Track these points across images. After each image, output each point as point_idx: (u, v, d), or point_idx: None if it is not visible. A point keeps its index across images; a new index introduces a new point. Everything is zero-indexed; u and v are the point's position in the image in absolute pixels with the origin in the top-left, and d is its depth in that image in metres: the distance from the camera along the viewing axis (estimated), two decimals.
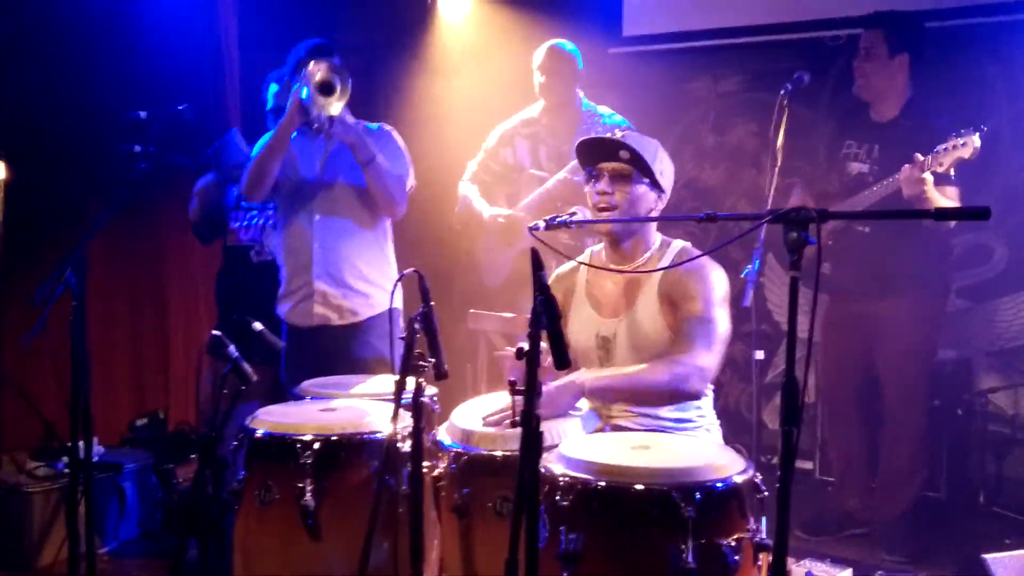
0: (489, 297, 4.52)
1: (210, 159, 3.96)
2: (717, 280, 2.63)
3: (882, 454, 4.01)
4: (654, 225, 2.78)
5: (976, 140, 3.38)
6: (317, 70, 3.30)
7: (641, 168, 2.65)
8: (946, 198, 3.57)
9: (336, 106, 3.31)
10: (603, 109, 4.32)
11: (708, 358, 2.54)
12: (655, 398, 2.61)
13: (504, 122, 4.50)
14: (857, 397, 4.07)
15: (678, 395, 2.58)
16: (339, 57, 3.57)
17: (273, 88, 3.81)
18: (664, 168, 2.72)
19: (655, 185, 2.69)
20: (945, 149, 3.42)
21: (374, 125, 3.63)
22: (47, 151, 5.10)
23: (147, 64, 5.06)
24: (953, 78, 4.30)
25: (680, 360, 2.53)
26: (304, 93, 3.30)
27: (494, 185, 4.54)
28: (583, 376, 2.57)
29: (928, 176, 3.46)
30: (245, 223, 3.93)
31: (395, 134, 3.64)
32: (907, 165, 3.51)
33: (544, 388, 2.41)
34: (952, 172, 3.45)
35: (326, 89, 3.28)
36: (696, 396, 2.61)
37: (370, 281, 3.51)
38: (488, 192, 4.54)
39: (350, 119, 3.56)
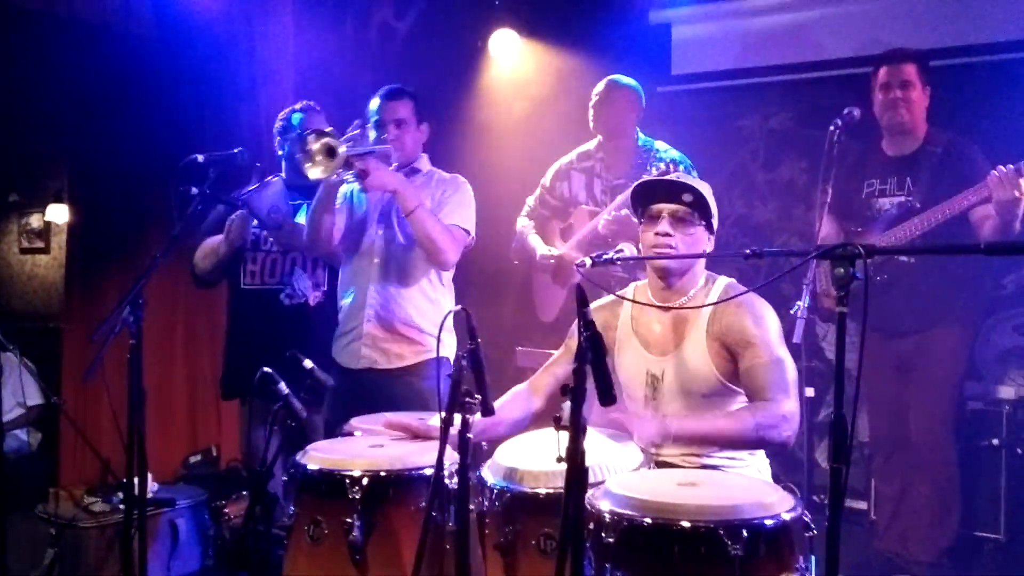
0: (539, 333, 4.53)
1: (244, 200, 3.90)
2: (771, 319, 2.62)
3: (913, 493, 3.91)
4: (702, 264, 2.78)
5: None
6: (314, 140, 3.27)
7: (701, 210, 2.66)
8: None
9: (314, 171, 3.25)
10: (660, 145, 4.33)
11: (790, 403, 2.52)
12: (742, 447, 2.59)
13: (562, 157, 4.55)
14: (894, 433, 3.99)
15: (767, 444, 2.55)
16: (414, 98, 3.60)
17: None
18: (715, 211, 2.73)
19: (710, 227, 2.70)
20: None
21: (448, 175, 3.65)
22: (108, 194, 5.26)
23: (203, 109, 5.20)
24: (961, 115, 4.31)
25: (765, 408, 2.50)
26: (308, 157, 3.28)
27: (551, 219, 4.58)
28: (669, 419, 2.56)
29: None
30: (259, 266, 3.90)
31: (465, 187, 3.61)
32: (999, 169, 3.44)
33: (634, 416, 2.46)
34: None
35: (331, 152, 3.26)
36: (785, 444, 2.54)
37: (420, 328, 3.51)
38: (545, 227, 4.58)
39: (425, 165, 3.64)
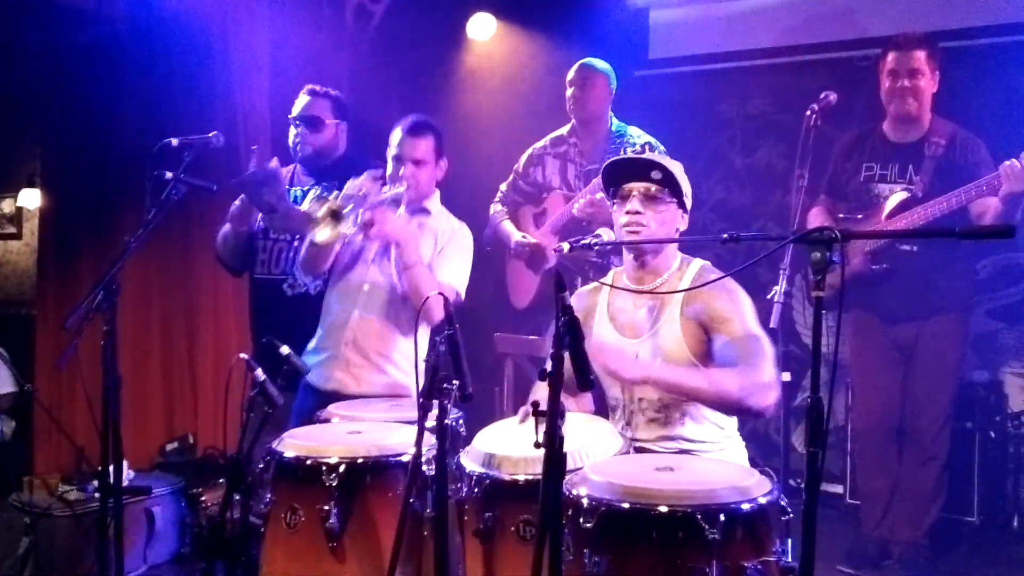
0: (516, 320, 4.53)
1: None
2: (744, 297, 2.63)
3: (905, 476, 3.95)
4: (675, 245, 2.78)
5: None
6: (318, 206, 3.24)
7: (671, 187, 2.66)
8: None
9: (322, 235, 3.21)
10: (633, 130, 4.34)
11: (771, 372, 2.52)
12: (719, 407, 2.57)
13: (536, 143, 4.54)
14: (892, 420, 4.02)
15: (746, 409, 2.53)
16: (437, 135, 3.50)
17: None
18: (687, 189, 2.74)
19: (682, 205, 2.70)
20: None
21: (456, 223, 3.55)
22: (80, 179, 5.19)
23: (177, 92, 5.14)
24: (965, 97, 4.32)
25: (748, 374, 2.49)
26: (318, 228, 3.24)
27: (524, 205, 4.58)
28: (653, 363, 2.55)
29: None
30: (268, 256, 3.88)
31: (468, 241, 3.53)
32: (1012, 163, 3.46)
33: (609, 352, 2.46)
34: None
35: (336, 216, 3.21)
36: (764, 412, 2.53)
37: (395, 363, 3.45)
38: (517, 212, 4.58)
39: (436, 206, 3.54)
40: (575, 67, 4.37)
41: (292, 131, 3.79)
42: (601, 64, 4.37)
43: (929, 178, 3.78)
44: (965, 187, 3.61)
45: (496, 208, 4.62)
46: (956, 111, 4.01)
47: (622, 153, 4.10)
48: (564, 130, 4.48)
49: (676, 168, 2.71)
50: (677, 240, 2.73)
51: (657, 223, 2.67)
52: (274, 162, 3.75)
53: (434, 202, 3.56)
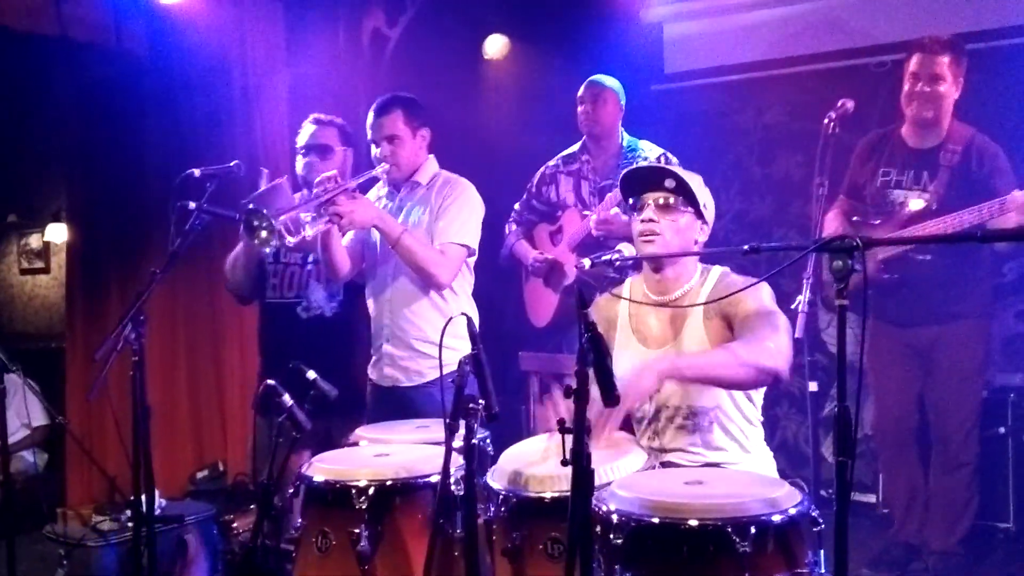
0: (538, 338, 4.54)
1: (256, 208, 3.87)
2: (763, 285, 2.61)
3: (934, 485, 3.92)
4: (696, 256, 2.77)
5: None
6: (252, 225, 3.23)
7: (686, 196, 2.66)
8: None
9: (264, 245, 3.21)
10: (644, 144, 4.35)
11: (779, 338, 2.49)
12: (740, 376, 2.50)
13: (548, 161, 4.56)
14: (912, 427, 3.98)
15: (763, 372, 2.47)
16: (405, 106, 3.53)
17: None
18: (707, 200, 2.74)
19: (699, 215, 2.70)
20: None
21: (453, 177, 3.57)
22: (105, 212, 5.27)
23: (198, 123, 5.20)
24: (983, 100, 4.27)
25: (759, 341, 2.47)
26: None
27: (539, 223, 4.60)
28: (666, 357, 2.55)
29: None
30: (280, 280, 3.90)
31: (468, 194, 3.53)
32: (1019, 191, 3.44)
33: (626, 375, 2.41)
34: None
35: (248, 227, 3.20)
36: (779, 376, 2.49)
37: (435, 343, 3.48)
38: (532, 231, 4.59)
39: (428, 172, 3.56)
40: (585, 84, 4.41)
41: (300, 160, 3.80)
42: (610, 80, 4.40)
43: (944, 188, 3.73)
44: (978, 206, 3.53)
45: (510, 228, 4.65)
46: (979, 115, 3.98)
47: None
48: (575, 148, 4.50)
49: (692, 178, 2.71)
50: (698, 253, 2.73)
51: (672, 231, 2.66)
52: (284, 180, 3.79)
53: (424, 172, 3.56)
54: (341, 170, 3.80)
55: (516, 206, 4.66)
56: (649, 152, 4.27)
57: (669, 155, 4.19)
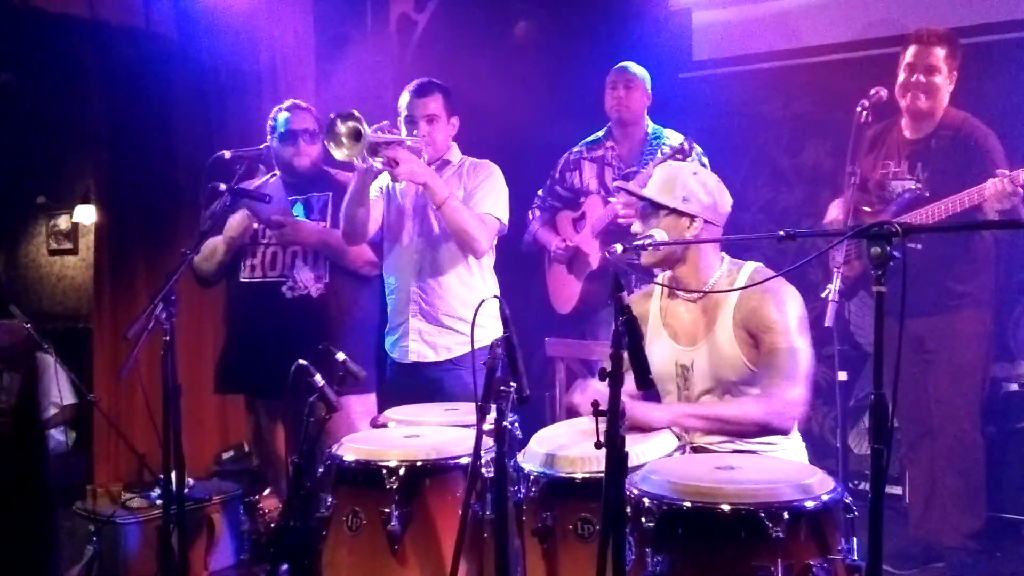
0: (564, 324, 4.54)
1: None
2: (793, 306, 2.60)
3: (941, 480, 3.86)
4: (709, 248, 2.75)
5: None
6: (338, 123, 3.27)
7: (655, 203, 2.70)
8: None
9: (339, 153, 3.26)
10: (668, 132, 4.36)
11: (797, 390, 2.53)
12: (743, 434, 2.60)
13: (571, 148, 4.55)
14: (912, 414, 3.95)
15: (769, 431, 2.57)
16: (444, 92, 3.62)
17: None
18: (690, 192, 2.70)
19: (681, 214, 2.69)
20: None
21: (479, 161, 3.68)
22: (134, 194, 5.29)
23: (227, 105, 5.22)
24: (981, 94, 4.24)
25: (773, 395, 2.52)
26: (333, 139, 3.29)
27: (562, 210, 4.59)
28: (674, 406, 2.60)
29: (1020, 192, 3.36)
30: (260, 260, 3.92)
31: (496, 173, 3.63)
32: (995, 179, 3.39)
33: (632, 406, 2.44)
34: None
35: (356, 135, 3.26)
36: (785, 432, 2.59)
37: (464, 319, 3.51)
38: (556, 217, 4.59)
39: (456, 156, 3.66)
40: (615, 70, 4.40)
41: (287, 146, 3.84)
42: (638, 67, 4.40)
43: (932, 175, 3.70)
44: (959, 195, 3.50)
45: (534, 215, 4.66)
46: (980, 107, 3.94)
47: (659, 155, 4.11)
48: (600, 134, 4.50)
49: (660, 179, 2.74)
50: (734, 239, 2.73)
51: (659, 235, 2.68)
52: (275, 179, 3.83)
53: (454, 153, 3.68)
54: (321, 155, 3.86)
55: (539, 192, 4.66)
56: (673, 140, 4.26)
57: (693, 144, 4.17)
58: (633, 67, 4.40)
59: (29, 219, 7.98)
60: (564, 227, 4.60)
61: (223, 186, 3.43)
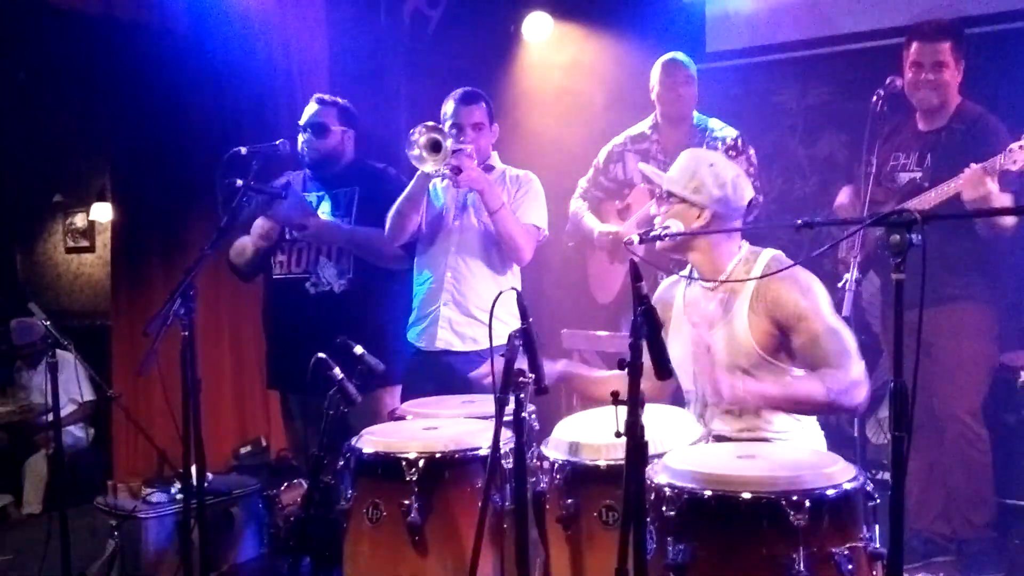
0: (585, 315, 4.54)
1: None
2: (819, 289, 2.60)
3: (948, 474, 3.80)
4: (723, 237, 2.74)
5: None
6: (420, 134, 3.41)
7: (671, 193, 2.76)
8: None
9: (427, 166, 3.42)
10: (713, 123, 4.33)
11: (857, 367, 2.51)
12: (811, 411, 2.61)
13: (614, 138, 4.55)
14: (920, 413, 3.90)
15: (837, 409, 2.56)
16: (487, 102, 3.77)
17: None
18: (702, 184, 2.71)
19: (691, 204, 2.72)
20: (1021, 147, 3.26)
21: (519, 172, 3.81)
22: (150, 191, 5.32)
23: (241, 102, 5.24)
24: (996, 83, 4.20)
25: (834, 374, 2.48)
26: (415, 152, 3.43)
27: (606, 200, 4.58)
28: (740, 385, 2.52)
29: (991, 183, 3.32)
30: (288, 256, 3.95)
31: (537, 184, 3.78)
32: (971, 166, 3.36)
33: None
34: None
35: (435, 147, 3.40)
36: (856, 410, 2.54)
37: (496, 316, 3.52)
38: (600, 207, 4.59)
39: (498, 163, 3.79)
40: (664, 64, 4.32)
41: (300, 137, 3.90)
42: (684, 57, 4.36)
43: (937, 166, 3.64)
44: (943, 184, 3.48)
45: (577, 203, 4.62)
46: (987, 98, 3.91)
47: (704, 147, 4.09)
48: (645, 126, 4.46)
49: (681, 167, 2.77)
50: (749, 228, 2.73)
51: (668, 223, 2.73)
52: (298, 176, 3.85)
53: (496, 160, 3.81)
54: (339, 149, 3.91)
55: (582, 182, 4.63)
56: (720, 131, 4.26)
57: (732, 135, 4.18)
58: (687, 60, 4.34)
59: (46, 217, 8.02)
60: (609, 217, 4.58)
61: (239, 182, 3.44)
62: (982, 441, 3.77)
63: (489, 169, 3.74)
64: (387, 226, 3.65)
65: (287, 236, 3.90)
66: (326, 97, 3.98)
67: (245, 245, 3.90)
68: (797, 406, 2.56)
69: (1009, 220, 3.49)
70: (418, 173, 3.52)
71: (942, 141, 3.73)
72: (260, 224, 3.83)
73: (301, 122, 3.92)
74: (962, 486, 3.78)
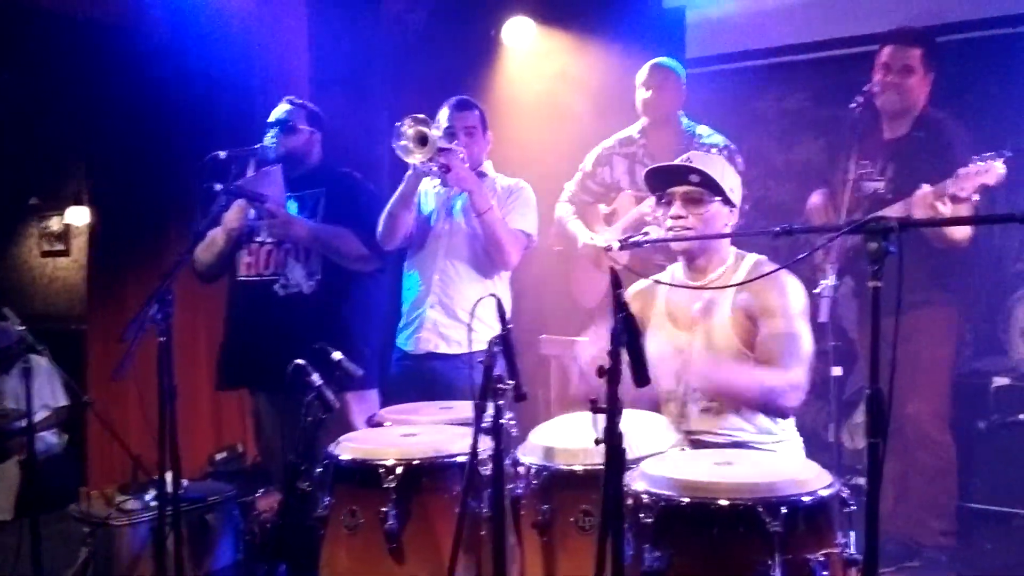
0: (562, 321, 4.53)
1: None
2: (795, 293, 2.63)
3: (912, 479, 3.82)
4: (727, 240, 2.79)
5: (1000, 167, 3.27)
6: (408, 126, 3.43)
7: (712, 188, 2.67)
8: None
9: (413, 158, 3.45)
10: (702, 129, 4.35)
11: (799, 372, 2.54)
12: (744, 404, 2.63)
13: (603, 141, 4.55)
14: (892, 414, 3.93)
15: (770, 408, 2.59)
16: (480, 110, 3.84)
17: None
18: (733, 184, 2.75)
19: (727, 201, 2.70)
20: (967, 174, 3.29)
21: (512, 180, 3.84)
22: (126, 195, 5.29)
23: (220, 106, 5.21)
24: (961, 92, 4.24)
25: (777, 374, 2.52)
26: (403, 142, 3.45)
27: (592, 204, 4.58)
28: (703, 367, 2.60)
29: (941, 206, 3.35)
30: (255, 258, 3.94)
31: (529, 192, 3.82)
32: (923, 188, 3.40)
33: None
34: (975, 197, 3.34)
35: (422, 140, 3.42)
36: (785, 413, 2.60)
37: (479, 318, 3.53)
38: (586, 212, 4.59)
39: (490, 171, 3.83)
40: (648, 68, 4.34)
41: (268, 133, 3.93)
42: (673, 63, 4.39)
43: (898, 175, 3.69)
44: (902, 201, 3.52)
45: (563, 208, 4.61)
46: (960, 105, 3.95)
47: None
48: (633, 130, 4.47)
49: (715, 167, 2.73)
50: (723, 235, 2.74)
51: (702, 224, 2.70)
52: (278, 168, 3.85)
53: (488, 168, 3.85)
54: (304, 149, 3.95)
55: (569, 185, 4.64)
56: (707, 137, 4.28)
57: (727, 143, 4.21)
58: (668, 64, 4.37)
59: (21, 221, 7.95)
60: (596, 221, 4.58)
61: (219, 186, 3.43)
62: (943, 448, 3.78)
63: (482, 176, 3.76)
64: (379, 228, 3.66)
65: (255, 238, 3.88)
66: (296, 99, 4.03)
67: (215, 236, 3.88)
68: (734, 395, 2.60)
69: (961, 233, 3.52)
70: (408, 173, 3.54)
71: (902, 150, 3.76)
72: (234, 211, 3.82)
73: (270, 119, 3.94)
74: (921, 491, 3.80)
